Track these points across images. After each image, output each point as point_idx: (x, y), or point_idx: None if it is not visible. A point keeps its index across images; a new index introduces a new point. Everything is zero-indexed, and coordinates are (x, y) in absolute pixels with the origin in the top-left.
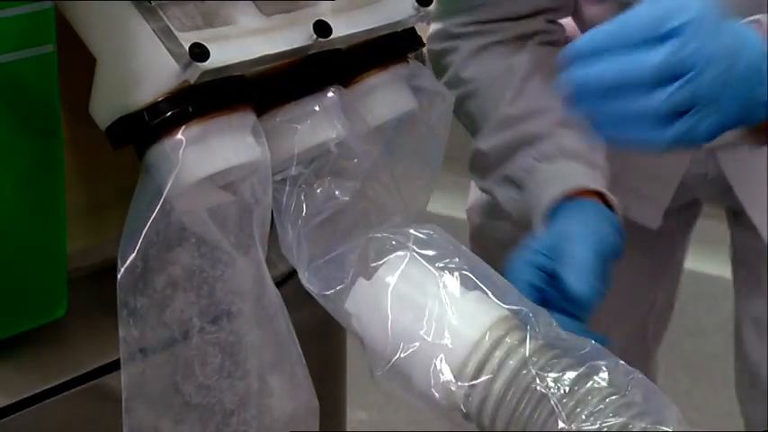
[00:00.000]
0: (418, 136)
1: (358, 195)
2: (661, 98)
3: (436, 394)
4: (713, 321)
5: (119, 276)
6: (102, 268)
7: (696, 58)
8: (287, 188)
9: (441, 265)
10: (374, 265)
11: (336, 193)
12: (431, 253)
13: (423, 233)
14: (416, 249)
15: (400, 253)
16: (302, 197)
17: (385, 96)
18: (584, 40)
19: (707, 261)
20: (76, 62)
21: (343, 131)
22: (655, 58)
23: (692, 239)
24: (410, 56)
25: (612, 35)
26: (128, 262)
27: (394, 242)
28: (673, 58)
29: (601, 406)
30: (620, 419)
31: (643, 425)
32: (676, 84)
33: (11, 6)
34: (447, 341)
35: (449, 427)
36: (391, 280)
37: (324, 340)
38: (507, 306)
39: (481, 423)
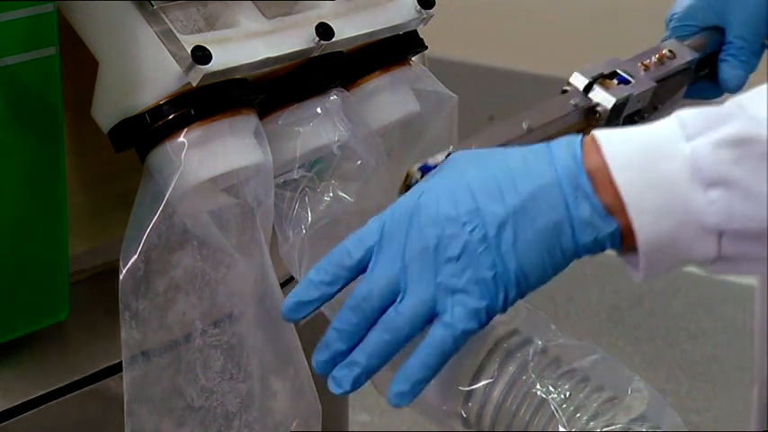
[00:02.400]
0: (426, 141)
1: (360, 199)
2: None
3: (436, 399)
4: (714, 324)
5: (121, 279)
6: (104, 271)
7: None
8: (288, 193)
9: None
10: None
11: (339, 196)
12: None
13: None
14: None
15: None
16: (306, 200)
17: (387, 99)
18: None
19: None
20: (79, 65)
21: (345, 134)
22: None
23: None
24: (412, 59)
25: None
26: (130, 264)
27: None
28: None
29: (600, 410)
30: (620, 423)
31: (643, 429)
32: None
33: (13, 9)
34: None
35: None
36: None
37: None
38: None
39: (481, 428)
